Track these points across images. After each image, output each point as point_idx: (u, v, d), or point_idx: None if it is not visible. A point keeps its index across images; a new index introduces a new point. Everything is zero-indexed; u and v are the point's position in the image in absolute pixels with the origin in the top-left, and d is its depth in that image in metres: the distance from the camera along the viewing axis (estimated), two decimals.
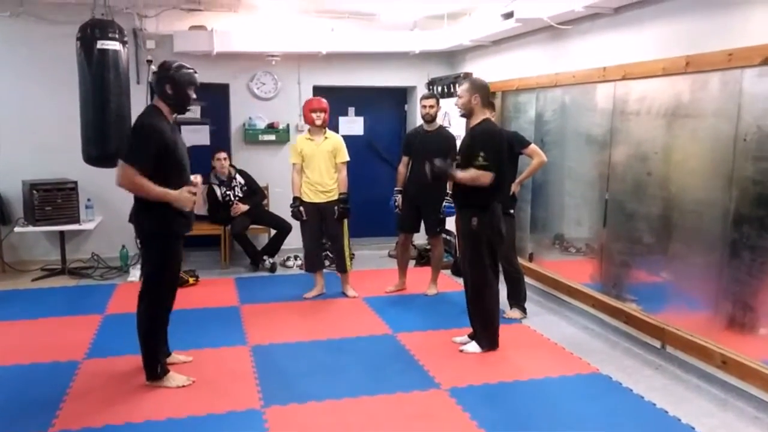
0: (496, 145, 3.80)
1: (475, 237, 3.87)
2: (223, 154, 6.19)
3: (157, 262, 3.43)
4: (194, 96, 3.48)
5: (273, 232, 6.37)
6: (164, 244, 3.41)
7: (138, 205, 3.40)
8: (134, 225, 3.52)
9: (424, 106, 5.17)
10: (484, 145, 3.75)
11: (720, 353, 3.44)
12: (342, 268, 5.31)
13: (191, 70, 3.46)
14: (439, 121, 5.31)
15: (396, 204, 5.31)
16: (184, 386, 3.49)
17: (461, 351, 3.98)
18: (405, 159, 5.29)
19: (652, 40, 3.97)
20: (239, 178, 6.27)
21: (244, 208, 6.12)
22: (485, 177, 3.73)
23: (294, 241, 6.40)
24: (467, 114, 3.92)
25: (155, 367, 3.47)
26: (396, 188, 5.34)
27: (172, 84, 3.36)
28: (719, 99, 3.50)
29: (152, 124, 3.29)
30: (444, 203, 5.05)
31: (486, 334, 4.00)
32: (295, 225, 5.53)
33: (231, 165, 6.29)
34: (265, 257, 6.19)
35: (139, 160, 3.21)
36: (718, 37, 3.43)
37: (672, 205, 3.87)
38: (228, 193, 6.17)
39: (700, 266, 3.68)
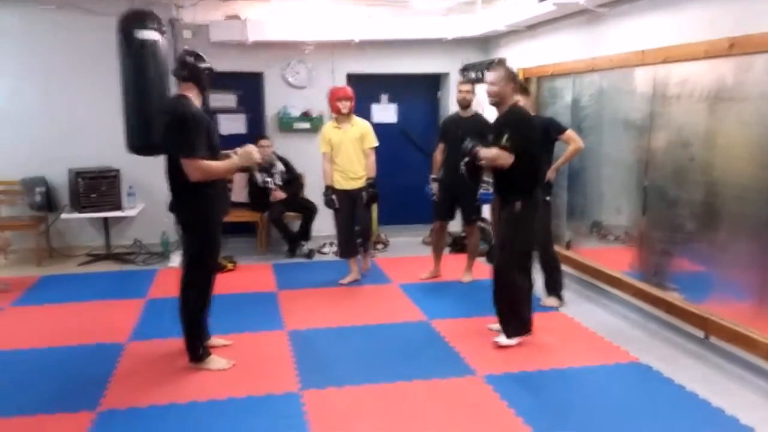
0: (524, 128, 3.76)
1: (518, 220, 3.82)
2: (266, 141, 6.27)
3: (199, 248, 3.52)
4: (209, 65, 3.55)
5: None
6: (204, 230, 3.50)
7: (177, 193, 3.48)
8: (174, 213, 3.60)
9: (461, 91, 5.15)
10: (511, 127, 3.73)
11: (766, 344, 3.36)
12: (365, 247, 5.50)
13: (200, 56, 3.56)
14: (474, 107, 5.27)
15: (432, 191, 5.31)
16: (225, 369, 3.58)
17: (495, 341, 3.93)
18: (441, 146, 5.27)
19: (693, 22, 3.86)
20: (280, 165, 6.34)
21: (282, 195, 6.19)
22: (505, 158, 3.69)
23: (329, 227, 6.47)
24: (499, 102, 3.87)
25: (197, 349, 3.58)
26: (432, 176, 5.33)
27: (190, 68, 3.46)
28: (764, 82, 3.38)
29: (195, 113, 3.38)
30: (480, 190, 4.99)
31: (519, 320, 3.92)
32: (324, 209, 5.58)
33: (273, 152, 6.36)
34: (302, 243, 6.27)
35: (199, 150, 3.31)
36: (763, 17, 3.31)
37: (715, 191, 3.78)
38: (268, 179, 6.25)
39: (745, 254, 3.59)
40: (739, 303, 3.69)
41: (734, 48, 3.48)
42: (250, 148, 3.59)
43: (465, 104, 5.13)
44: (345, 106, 5.08)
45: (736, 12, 3.53)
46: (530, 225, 3.84)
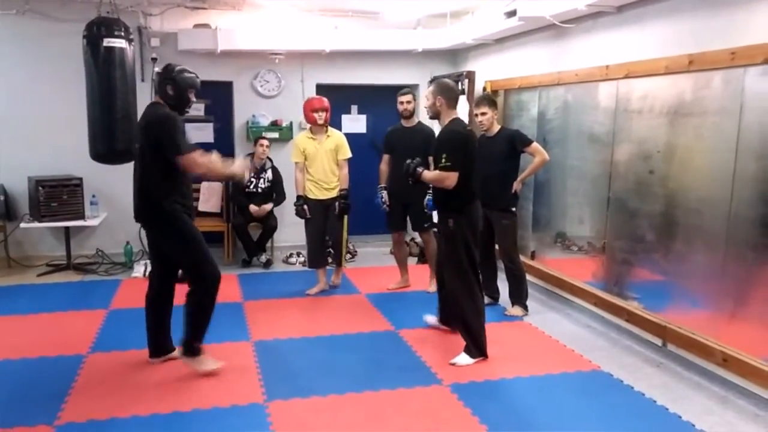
0: (460, 146, 3.74)
1: (451, 238, 3.83)
2: (265, 141, 6.23)
3: (186, 242, 3.51)
4: (194, 99, 3.62)
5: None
6: (181, 221, 3.50)
7: (145, 201, 3.46)
8: (143, 222, 3.56)
9: (401, 102, 5.16)
10: (447, 146, 3.75)
11: (721, 351, 3.46)
12: (338, 262, 5.43)
13: (193, 74, 3.59)
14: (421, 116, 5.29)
15: (383, 201, 5.26)
16: (214, 370, 3.58)
17: (452, 364, 3.78)
18: (386, 157, 5.25)
19: (654, 39, 3.98)
20: (270, 173, 6.29)
21: (263, 212, 6.14)
22: (449, 178, 3.70)
23: (296, 237, 6.44)
24: (434, 116, 3.93)
25: (197, 344, 3.57)
26: (380, 185, 5.27)
27: (173, 86, 3.50)
28: (722, 98, 3.51)
29: (174, 115, 3.44)
30: (427, 198, 4.98)
31: (470, 340, 3.83)
32: (287, 223, 5.54)
33: (269, 157, 6.31)
34: (260, 252, 6.25)
35: (188, 145, 3.39)
36: (721, 35, 3.44)
37: (674, 204, 3.89)
38: (253, 180, 6.18)
39: (702, 264, 3.70)
40: (695, 311, 3.79)
41: (693, 64, 3.61)
42: (248, 163, 3.70)
43: (407, 114, 5.14)
44: (321, 117, 5.06)
45: (695, 30, 3.66)
46: (465, 242, 3.79)
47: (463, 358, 3.82)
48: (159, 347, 3.75)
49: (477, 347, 3.83)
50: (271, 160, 6.34)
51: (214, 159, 3.47)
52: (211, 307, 3.57)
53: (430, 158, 4.37)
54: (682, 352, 3.77)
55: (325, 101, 5.14)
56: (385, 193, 5.24)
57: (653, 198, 4.05)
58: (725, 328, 3.53)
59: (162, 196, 3.44)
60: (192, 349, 3.56)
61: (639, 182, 4.18)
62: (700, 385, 3.56)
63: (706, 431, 3.05)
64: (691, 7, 3.69)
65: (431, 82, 6.80)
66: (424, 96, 3.99)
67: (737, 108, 3.38)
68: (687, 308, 3.86)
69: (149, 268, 5.67)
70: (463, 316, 3.84)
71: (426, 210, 5.02)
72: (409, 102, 5.12)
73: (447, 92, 3.88)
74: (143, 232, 6.28)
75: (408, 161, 3.98)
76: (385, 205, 5.26)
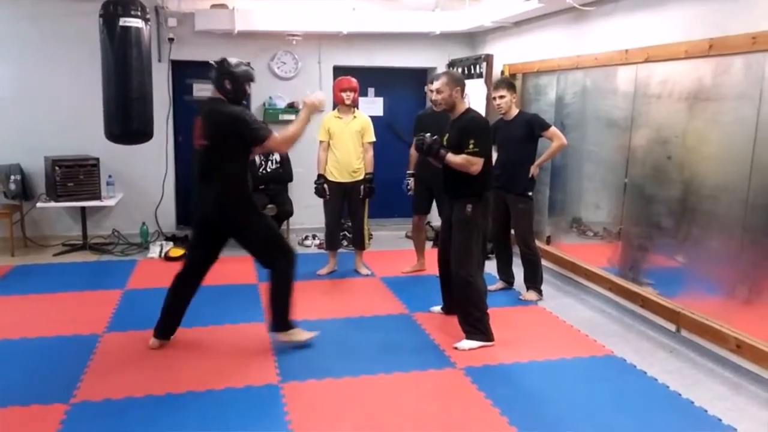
0: (486, 134, 3.83)
1: (468, 224, 3.82)
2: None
3: (266, 224, 3.77)
4: (250, 91, 3.78)
5: None
6: (256, 206, 3.73)
7: (225, 193, 3.58)
8: (223, 214, 3.62)
9: (431, 90, 5.11)
10: (476, 132, 3.73)
11: (734, 337, 3.44)
12: (360, 246, 5.42)
13: (249, 68, 3.71)
14: None
15: (408, 187, 5.30)
16: (308, 338, 3.80)
17: (455, 348, 3.77)
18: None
19: (675, 23, 3.91)
20: (277, 155, 6.30)
21: (272, 212, 6.18)
22: (476, 164, 3.70)
23: (312, 220, 6.46)
24: (449, 107, 3.87)
25: (289, 318, 3.76)
26: (408, 171, 5.31)
27: (231, 80, 3.59)
28: (742, 83, 3.45)
29: (241, 109, 3.63)
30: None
31: (476, 326, 3.82)
32: (303, 205, 5.52)
33: None
34: None
35: (265, 128, 3.67)
36: (742, 19, 3.37)
37: (691, 190, 3.84)
38: (263, 162, 6.22)
39: (717, 251, 3.66)
40: (710, 297, 3.76)
41: (713, 49, 3.54)
42: (318, 94, 3.81)
43: (435, 104, 5.09)
44: (349, 97, 5.06)
45: (716, 13, 3.59)
46: (480, 228, 3.85)
47: (467, 343, 3.80)
48: (170, 329, 3.79)
49: (486, 332, 3.83)
50: None
51: (291, 129, 3.66)
52: (294, 280, 3.76)
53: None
54: (695, 338, 3.75)
55: (354, 82, 5.13)
56: (411, 180, 5.24)
57: (670, 184, 4.00)
58: (739, 314, 3.51)
59: (241, 185, 3.64)
60: (286, 324, 3.75)
61: (656, 168, 4.13)
62: (713, 371, 3.55)
63: (718, 417, 3.04)
64: None
65: (449, 65, 6.79)
66: (435, 89, 3.87)
67: (757, 94, 3.32)
68: (701, 294, 3.84)
69: (165, 249, 5.81)
70: (470, 302, 3.81)
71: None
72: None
73: (460, 82, 3.88)
74: (159, 213, 6.48)
75: (422, 135, 3.88)
76: (410, 192, 5.28)
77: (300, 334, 3.78)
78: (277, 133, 3.65)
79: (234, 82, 3.58)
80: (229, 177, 3.59)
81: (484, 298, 3.86)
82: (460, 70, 6.46)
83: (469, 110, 3.88)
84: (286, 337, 3.75)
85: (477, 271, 3.88)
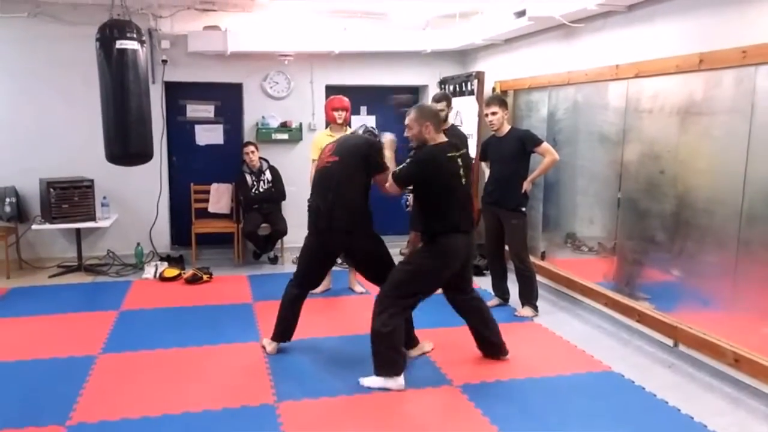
0: (420, 168, 3.50)
1: (416, 258, 3.67)
2: (251, 147, 6.27)
3: (387, 253, 3.89)
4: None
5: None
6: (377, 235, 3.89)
7: (358, 216, 3.77)
8: (352, 231, 3.78)
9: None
10: (410, 161, 3.54)
11: (732, 351, 3.43)
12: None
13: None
14: (451, 120, 5.30)
15: (407, 203, 5.33)
16: (431, 350, 3.98)
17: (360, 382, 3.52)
18: None
19: (665, 38, 3.96)
20: (268, 174, 6.33)
21: (266, 231, 6.22)
22: (391, 186, 3.57)
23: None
24: (421, 143, 3.57)
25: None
26: (408, 187, 5.33)
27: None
28: (733, 97, 3.48)
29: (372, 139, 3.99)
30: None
31: (384, 357, 3.49)
32: (297, 224, 5.54)
33: (261, 158, 6.34)
34: (270, 251, 6.33)
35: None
36: (732, 34, 3.41)
37: (685, 204, 3.86)
38: (255, 182, 6.25)
39: (713, 264, 3.67)
40: (707, 312, 3.76)
41: (704, 63, 3.58)
42: (388, 135, 3.94)
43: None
44: (341, 116, 5.09)
45: (705, 28, 3.64)
46: (424, 269, 3.54)
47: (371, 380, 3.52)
48: (289, 335, 4.01)
49: (395, 368, 3.50)
50: (266, 161, 6.37)
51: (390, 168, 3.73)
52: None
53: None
54: (693, 353, 3.74)
55: (346, 101, 5.16)
56: (411, 196, 5.25)
57: (664, 198, 4.02)
58: (737, 328, 3.50)
59: (366, 208, 3.83)
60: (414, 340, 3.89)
61: (649, 182, 4.15)
62: (712, 385, 3.53)
63: None
64: (702, 6, 3.67)
65: (440, 83, 6.85)
66: (406, 125, 3.60)
67: (748, 107, 3.35)
68: (698, 308, 3.84)
69: (160, 269, 5.79)
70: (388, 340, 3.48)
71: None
72: (441, 110, 5.07)
73: (433, 117, 3.58)
74: (154, 233, 6.48)
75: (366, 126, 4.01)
76: (409, 208, 5.29)
77: (423, 347, 3.96)
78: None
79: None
80: (360, 197, 3.86)
81: (399, 337, 3.54)
82: (451, 87, 6.51)
83: (433, 146, 3.55)
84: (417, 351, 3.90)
85: (397, 307, 3.54)
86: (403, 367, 3.50)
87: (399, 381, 3.45)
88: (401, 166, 3.57)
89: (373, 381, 3.49)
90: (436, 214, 3.53)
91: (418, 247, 3.75)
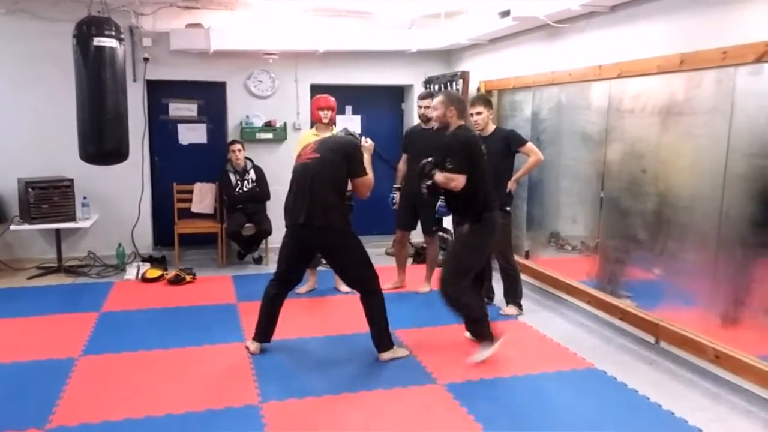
0: (465, 151, 3.73)
1: (463, 241, 3.86)
2: (237, 146, 6.22)
3: (362, 251, 3.88)
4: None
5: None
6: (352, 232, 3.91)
7: (332, 213, 3.75)
8: (329, 229, 3.76)
9: (420, 107, 5.18)
10: (451, 150, 3.75)
11: (713, 348, 3.47)
12: None
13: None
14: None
15: (394, 201, 5.33)
16: (404, 356, 3.91)
17: (470, 361, 3.79)
18: (404, 156, 5.30)
19: (647, 38, 4.00)
20: (252, 173, 6.29)
21: (250, 231, 6.18)
22: (456, 179, 3.69)
23: None
24: (443, 126, 3.91)
25: (389, 336, 3.91)
26: (394, 185, 5.35)
27: None
28: (713, 97, 3.53)
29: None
30: (438, 203, 4.96)
31: (476, 329, 3.92)
32: (281, 225, 5.51)
33: (246, 158, 6.30)
34: (255, 250, 6.30)
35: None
36: (713, 35, 3.45)
37: (666, 202, 3.90)
38: (239, 182, 6.20)
39: (694, 262, 3.71)
40: (688, 309, 3.81)
41: (685, 63, 3.62)
42: (367, 140, 4.12)
43: (425, 119, 5.16)
44: (326, 115, 5.05)
45: (687, 29, 3.68)
46: (477, 247, 3.85)
47: (480, 355, 3.82)
48: (270, 333, 4.00)
49: (486, 333, 3.88)
50: (251, 160, 6.33)
51: (369, 173, 3.94)
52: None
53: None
54: (674, 350, 3.79)
55: (332, 100, 5.13)
56: (397, 195, 5.26)
57: (646, 197, 4.06)
58: (717, 325, 3.55)
59: (343, 205, 3.86)
60: (389, 342, 3.88)
61: (632, 181, 4.19)
62: (693, 381, 3.58)
63: (699, 427, 3.07)
64: (684, 7, 3.71)
65: (425, 82, 6.86)
66: (432, 106, 4.00)
67: (728, 107, 3.40)
68: (679, 306, 3.88)
69: (142, 270, 5.73)
70: (466, 310, 3.88)
71: (437, 215, 5.02)
72: (427, 107, 5.06)
73: (458, 103, 3.90)
74: (136, 234, 6.41)
75: (424, 162, 3.94)
76: (395, 206, 5.29)
77: (401, 351, 3.93)
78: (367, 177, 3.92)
79: None
80: (338, 197, 3.85)
81: (474, 301, 3.93)
82: (436, 87, 6.53)
83: (458, 128, 3.84)
84: (389, 355, 3.87)
85: (462, 285, 3.85)
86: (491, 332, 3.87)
87: (496, 345, 3.85)
88: (447, 162, 3.72)
89: (482, 354, 3.80)
90: (478, 195, 3.78)
91: (464, 230, 3.86)
